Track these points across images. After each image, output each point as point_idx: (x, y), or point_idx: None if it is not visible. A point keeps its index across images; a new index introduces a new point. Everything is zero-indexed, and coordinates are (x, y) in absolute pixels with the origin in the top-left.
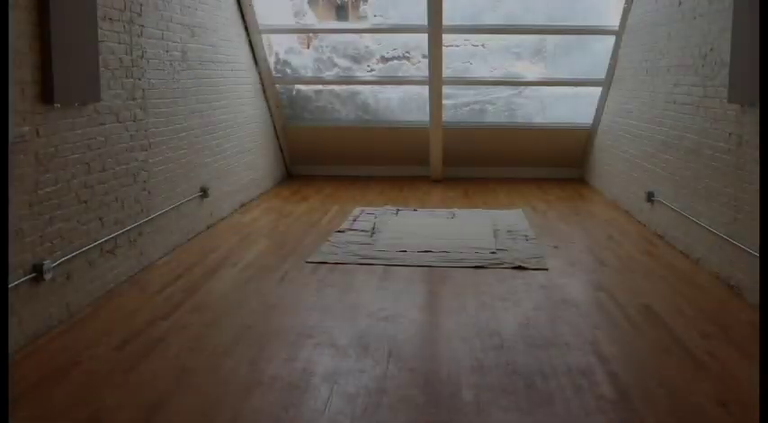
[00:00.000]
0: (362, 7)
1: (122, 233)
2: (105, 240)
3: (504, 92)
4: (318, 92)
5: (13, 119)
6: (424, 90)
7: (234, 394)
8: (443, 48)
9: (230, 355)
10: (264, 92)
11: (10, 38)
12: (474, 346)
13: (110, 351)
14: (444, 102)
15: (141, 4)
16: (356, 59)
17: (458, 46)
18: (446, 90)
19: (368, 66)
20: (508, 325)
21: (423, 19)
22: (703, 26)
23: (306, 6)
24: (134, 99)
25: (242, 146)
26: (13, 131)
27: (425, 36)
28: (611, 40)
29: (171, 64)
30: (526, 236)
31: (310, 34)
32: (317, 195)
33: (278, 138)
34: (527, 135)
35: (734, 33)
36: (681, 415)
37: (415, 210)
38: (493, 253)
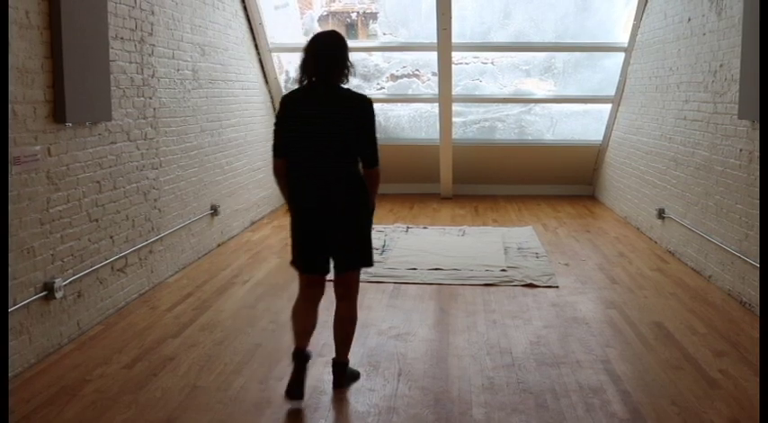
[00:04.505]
0: (372, 25)
1: (133, 251)
2: (116, 259)
3: (514, 109)
4: None
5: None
6: (434, 108)
7: (244, 413)
8: (453, 65)
9: (241, 374)
10: (275, 110)
11: (21, 58)
12: (485, 364)
13: (120, 369)
14: (454, 119)
15: (152, 24)
16: (366, 77)
17: (467, 63)
18: (456, 107)
19: (378, 83)
20: (519, 343)
21: (432, 37)
22: (713, 42)
23: (316, 25)
24: (145, 118)
25: (252, 164)
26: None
27: (435, 54)
28: (621, 56)
29: (182, 83)
30: (537, 253)
31: None
32: None
33: None
34: (537, 152)
35: (744, 49)
36: None
37: (425, 227)
38: (503, 270)
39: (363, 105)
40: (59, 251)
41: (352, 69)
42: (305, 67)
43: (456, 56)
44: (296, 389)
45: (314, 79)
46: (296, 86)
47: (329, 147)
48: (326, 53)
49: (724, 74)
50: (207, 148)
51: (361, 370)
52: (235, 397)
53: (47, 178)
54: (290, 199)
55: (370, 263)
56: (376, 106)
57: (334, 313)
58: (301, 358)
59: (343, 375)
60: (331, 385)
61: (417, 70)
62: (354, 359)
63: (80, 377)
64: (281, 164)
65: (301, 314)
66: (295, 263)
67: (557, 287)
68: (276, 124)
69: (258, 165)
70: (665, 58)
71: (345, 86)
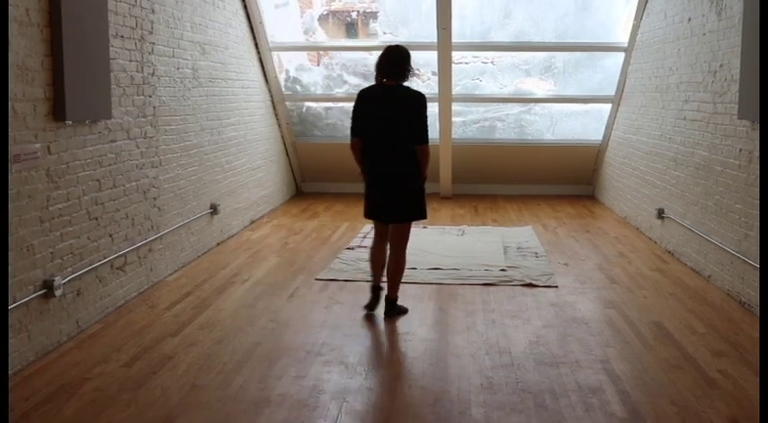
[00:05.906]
0: (372, 25)
1: (132, 250)
2: (115, 257)
3: (514, 109)
4: (328, 109)
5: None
6: (434, 107)
7: (243, 412)
8: (453, 65)
9: (239, 373)
10: (275, 109)
11: (21, 55)
12: (484, 364)
13: (119, 368)
14: (454, 119)
15: (152, 22)
16: (366, 76)
17: (467, 63)
18: (455, 107)
19: None
20: (518, 343)
21: (432, 36)
22: (713, 42)
23: (316, 24)
24: (145, 116)
25: (252, 163)
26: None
27: (435, 53)
28: (621, 56)
29: (182, 81)
30: (536, 253)
31: (320, 52)
32: (327, 212)
33: (288, 155)
34: (537, 152)
35: (744, 49)
36: None
37: (424, 227)
38: (503, 270)
39: (419, 99)
40: (59, 249)
41: (411, 72)
42: (379, 69)
43: (456, 55)
44: (371, 307)
45: (383, 79)
46: (296, 87)
47: (394, 130)
48: (394, 60)
49: (724, 74)
50: (207, 147)
51: (360, 369)
52: (234, 396)
53: (46, 176)
54: (365, 169)
55: (425, 215)
56: None
57: (387, 259)
58: (376, 290)
59: (392, 308)
60: (330, 383)
61: (417, 69)
62: (354, 358)
63: (79, 375)
64: (357, 142)
65: (376, 253)
66: (367, 214)
67: (556, 287)
68: (354, 112)
69: (258, 164)
70: (664, 57)
71: (406, 84)
